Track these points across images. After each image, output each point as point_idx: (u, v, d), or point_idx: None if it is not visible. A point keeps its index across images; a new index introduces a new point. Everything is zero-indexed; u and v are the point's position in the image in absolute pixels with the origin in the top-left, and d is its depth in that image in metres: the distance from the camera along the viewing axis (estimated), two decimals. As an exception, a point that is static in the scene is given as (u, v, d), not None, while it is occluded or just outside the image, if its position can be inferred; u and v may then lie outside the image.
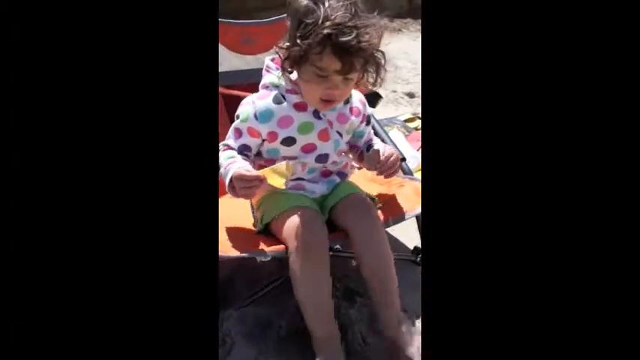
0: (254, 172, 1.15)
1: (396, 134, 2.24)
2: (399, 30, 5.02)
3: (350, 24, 1.08)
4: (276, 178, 1.13)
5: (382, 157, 1.26)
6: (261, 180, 1.13)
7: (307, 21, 1.10)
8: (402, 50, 3.89)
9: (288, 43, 1.16)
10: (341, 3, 1.10)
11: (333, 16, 1.08)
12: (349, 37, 1.07)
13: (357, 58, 1.11)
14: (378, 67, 1.19)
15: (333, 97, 1.18)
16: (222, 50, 1.75)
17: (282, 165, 1.14)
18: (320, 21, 1.08)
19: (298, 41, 1.12)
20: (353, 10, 1.10)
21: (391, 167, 1.28)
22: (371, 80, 1.21)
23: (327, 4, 1.10)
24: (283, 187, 1.14)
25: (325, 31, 1.07)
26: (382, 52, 1.18)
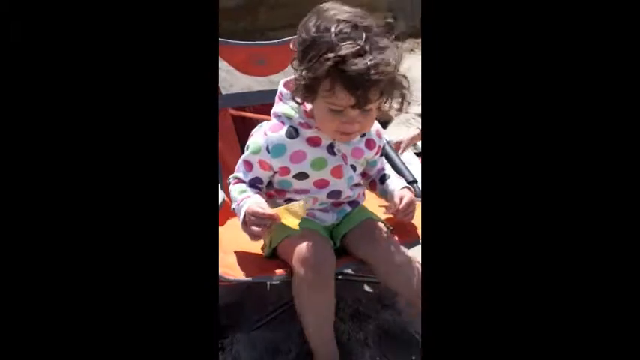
0: (268, 211, 1.09)
1: (407, 155, 2.22)
2: (412, 50, 5.03)
3: (360, 53, 0.97)
4: (290, 218, 1.07)
5: (402, 206, 1.20)
6: (274, 219, 1.08)
7: (312, 53, 1.00)
8: (415, 70, 3.89)
9: (295, 76, 1.08)
10: (350, 28, 0.98)
11: (339, 46, 0.97)
12: (360, 68, 0.96)
13: (371, 90, 1.00)
14: (402, 93, 1.07)
15: (352, 130, 1.09)
16: (232, 72, 1.75)
17: (296, 205, 1.08)
18: (325, 52, 0.98)
19: (304, 73, 1.03)
20: (364, 36, 0.98)
21: (409, 214, 1.22)
22: (395, 106, 1.09)
23: (334, 30, 0.98)
24: (297, 228, 1.08)
25: (330, 63, 0.97)
26: (404, 76, 1.06)
